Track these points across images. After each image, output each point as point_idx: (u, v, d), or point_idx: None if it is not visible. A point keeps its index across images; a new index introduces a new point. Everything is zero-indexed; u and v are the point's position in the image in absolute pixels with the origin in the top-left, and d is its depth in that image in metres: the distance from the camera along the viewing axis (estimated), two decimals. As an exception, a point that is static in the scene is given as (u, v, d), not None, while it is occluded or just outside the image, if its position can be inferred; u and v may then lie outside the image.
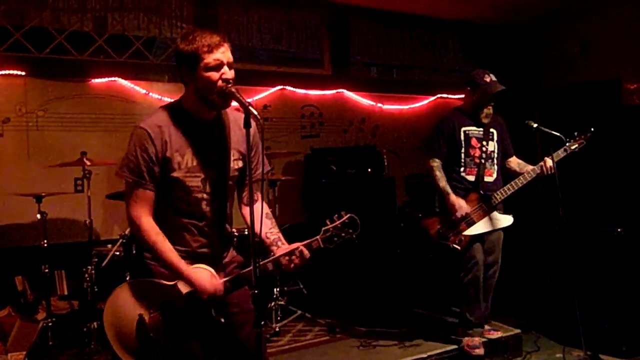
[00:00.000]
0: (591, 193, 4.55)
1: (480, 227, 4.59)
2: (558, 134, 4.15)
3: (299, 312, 5.84)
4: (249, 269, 2.65)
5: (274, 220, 2.97)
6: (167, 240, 2.68)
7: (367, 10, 7.77)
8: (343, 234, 2.78)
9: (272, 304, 5.57)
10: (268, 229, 2.86)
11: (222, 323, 2.75)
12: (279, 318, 5.58)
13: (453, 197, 4.58)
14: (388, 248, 6.84)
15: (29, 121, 5.75)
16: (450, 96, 8.51)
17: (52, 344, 4.93)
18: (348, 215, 2.80)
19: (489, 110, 4.70)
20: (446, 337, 5.06)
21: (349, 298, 6.32)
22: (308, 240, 2.77)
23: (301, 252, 2.73)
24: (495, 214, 4.63)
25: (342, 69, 7.74)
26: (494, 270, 4.76)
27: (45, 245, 5.04)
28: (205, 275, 2.68)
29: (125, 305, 2.72)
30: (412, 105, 8.22)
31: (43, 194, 5.02)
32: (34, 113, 5.77)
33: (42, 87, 5.82)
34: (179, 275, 2.67)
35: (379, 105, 7.92)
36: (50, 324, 4.94)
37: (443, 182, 4.66)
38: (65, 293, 5.63)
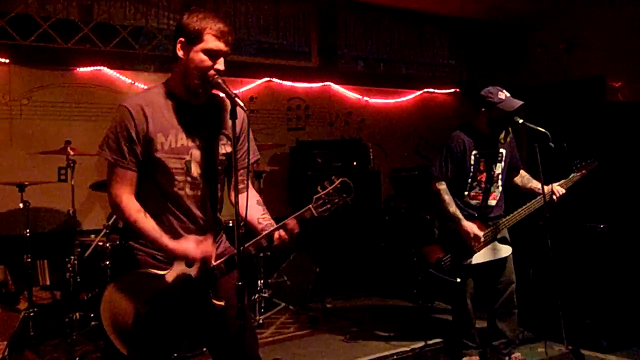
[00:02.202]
0: (575, 189, 4.56)
1: (479, 257, 4.40)
2: (543, 130, 4.13)
3: (283, 304, 5.85)
4: (244, 245, 2.60)
5: (264, 207, 2.91)
6: (149, 217, 2.63)
7: (355, 4, 7.76)
8: (337, 200, 2.68)
9: (256, 296, 5.57)
10: (260, 214, 2.80)
11: (220, 308, 2.68)
12: (262, 310, 5.58)
13: (466, 224, 4.34)
14: (373, 241, 6.86)
15: (13, 109, 5.70)
16: (436, 91, 8.54)
17: (34, 334, 4.90)
18: (340, 179, 2.69)
19: (508, 129, 4.48)
20: (430, 330, 5.08)
21: (333, 291, 6.33)
22: (300, 211, 2.69)
23: (291, 225, 2.67)
24: (496, 244, 4.44)
25: (329, 62, 7.73)
26: (509, 292, 4.54)
27: (28, 234, 5.00)
28: (190, 244, 2.62)
29: (120, 300, 2.66)
30: (398, 100, 8.23)
31: (26, 183, 4.99)
32: (18, 101, 5.72)
33: (27, 75, 5.77)
34: (163, 250, 2.62)
35: (366, 98, 7.93)
36: (31, 314, 4.91)
37: (453, 207, 4.38)
38: (48, 283, 5.60)
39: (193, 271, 2.66)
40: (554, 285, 4.12)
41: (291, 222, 2.68)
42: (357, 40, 8.00)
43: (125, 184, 2.64)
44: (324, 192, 2.69)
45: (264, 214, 2.84)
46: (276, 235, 2.66)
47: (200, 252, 2.62)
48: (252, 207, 2.49)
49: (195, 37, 2.58)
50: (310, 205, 2.69)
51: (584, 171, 4.53)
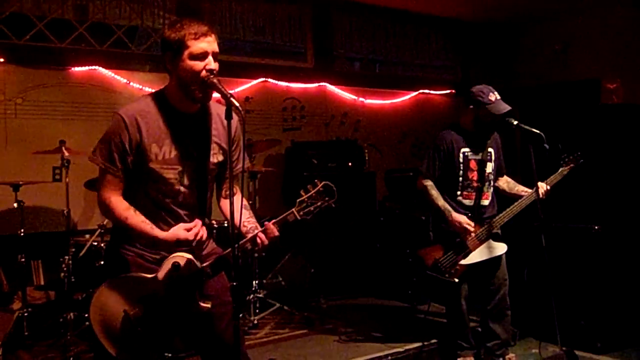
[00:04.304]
0: (570, 190, 4.59)
1: (475, 256, 4.39)
2: (538, 132, 4.14)
3: (278, 305, 5.84)
4: (228, 250, 2.63)
5: (251, 211, 2.99)
6: (138, 213, 2.69)
7: (351, 5, 7.77)
8: (319, 203, 2.75)
9: (251, 296, 5.57)
10: (245, 218, 2.85)
11: (206, 310, 2.73)
12: (257, 311, 5.58)
13: (455, 215, 4.35)
14: (368, 242, 6.86)
15: (7, 109, 5.68)
16: (431, 92, 8.54)
17: (28, 334, 4.89)
18: (323, 182, 2.77)
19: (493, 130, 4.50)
20: (424, 331, 5.09)
21: (328, 291, 6.33)
22: (283, 215, 2.76)
23: (270, 230, 2.74)
24: (491, 242, 4.44)
25: (325, 62, 7.72)
26: (502, 293, 4.55)
27: (22, 234, 4.99)
28: (180, 229, 2.69)
29: (109, 302, 2.70)
30: (394, 100, 8.24)
31: (20, 183, 4.97)
32: (13, 101, 5.70)
33: (22, 74, 5.74)
34: (156, 242, 2.68)
35: (361, 99, 7.93)
36: (25, 314, 4.90)
37: (441, 201, 4.40)
38: (42, 283, 5.58)
39: (183, 271, 2.68)
40: (549, 286, 4.13)
41: (271, 226, 2.75)
42: (352, 41, 8.00)
43: (114, 188, 2.71)
44: (307, 195, 2.76)
45: (249, 217, 2.89)
46: (258, 239, 2.73)
47: (192, 235, 2.68)
48: (238, 212, 2.53)
49: (178, 47, 2.62)
50: (294, 209, 2.76)
51: (572, 165, 4.56)
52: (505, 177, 4.74)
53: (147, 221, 2.69)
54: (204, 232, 2.74)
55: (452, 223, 4.36)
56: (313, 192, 2.76)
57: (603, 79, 7.65)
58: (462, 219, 4.35)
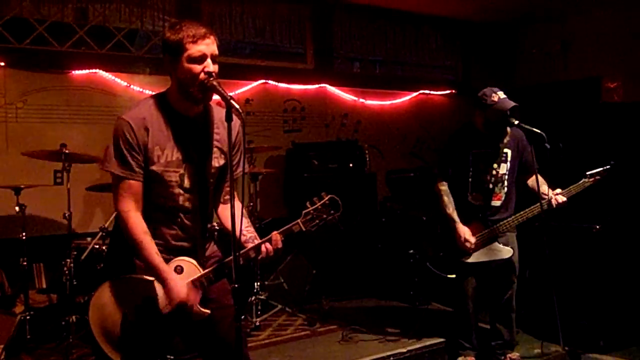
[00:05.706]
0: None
1: (478, 256, 4.42)
2: (539, 131, 4.15)
3: (280, 306, 5.84)
4: (230, 257, 2.63)
5: (248, 219, 2.98)
6: (153, 242, 2.66)
7: (351, 5, 7.77)
8: (325, 216, 2.76)
9: (253, 298, 5.56)
10: (244, 227, 2.82)
11: (206, 316, 2.73)
12: (259, 312, 5.57)
13: (460, 228, 4.37)
14: (369, 242, 6.86)
15: (8, 112, 5.68)
16: (432, 92, 8.54)
17: (30, 337, 4.87)
18: (329, 196, 2.77)
19: (505, 130, 4.46)
20: (426, 331, 5.09)
21: (330, 292, 6.33)
22: (288, 225, 2.76)
23: (276, 239, 2.73)
24: (496, 244, 4.44)
25: (325, 63, 7.72)
26: (509, 295, 4.56)
27: (24, 238, 4.99)
28: (181, 286, 2.66)
29: (109, 303, 2.70)
30: (394, 101, 8.23)
31: (22, 186, 4.97)
32: (13, 104, 5.70)
33: (22, 78, 5.75)
34: (157, 276, 2.66)
35: (362, 100, 7.92)
36: (28, 318, 4.89)
37: (450, 209, 4.43)
38: (44, 286, 5.58)
39: (183, 278, 2.68)
40: (551, 286, 4.13)
41: (276, 236, 2.74)
42: (352, 41, 7.99)
43: (131, 198, 2.67)
44: (312, 207, 2.77)
45: (247, 226, 2.88)
46: (262, 248, 2.72)
47: (183, 298, 2.65)
48: (238, 216, 2.51)
49: (177, 50, 2.61)
50: (299, 220, 2.76)
51: (597, 177, 4.46)
52: (534, 176, 4.52)
53: (158, 253, 2.66)
54: (191, 304, 2.70)
55: (456, 234, 4.37)
56: (319, 204, 2.76)
57: (604, 77, 7.65)
58: (466, 233, 4.36)
